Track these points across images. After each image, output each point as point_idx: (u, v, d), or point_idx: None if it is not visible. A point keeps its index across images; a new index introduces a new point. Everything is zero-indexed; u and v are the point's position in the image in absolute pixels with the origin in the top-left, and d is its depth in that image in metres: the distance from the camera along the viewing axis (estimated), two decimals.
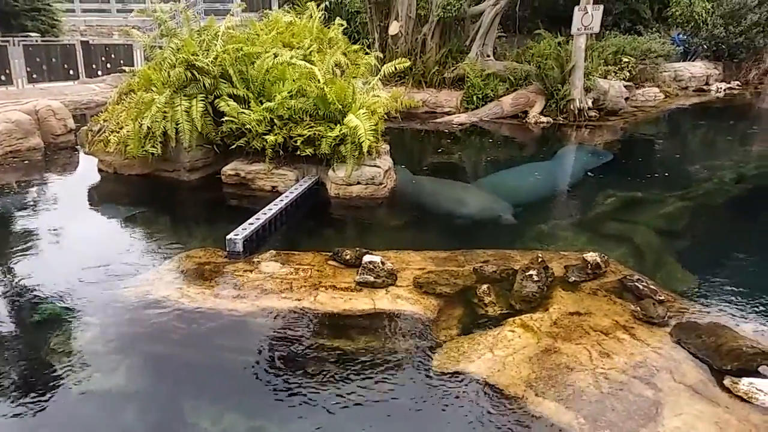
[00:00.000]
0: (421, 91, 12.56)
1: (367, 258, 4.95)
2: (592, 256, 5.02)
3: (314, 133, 6.91)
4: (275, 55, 7.59)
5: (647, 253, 5.98)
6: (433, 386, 3.72)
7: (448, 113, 12.21)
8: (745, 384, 3.39)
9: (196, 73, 7.11)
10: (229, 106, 7.00)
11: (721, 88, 15.64)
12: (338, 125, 6.86)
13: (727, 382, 3.48)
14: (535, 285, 4.71)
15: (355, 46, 10.30)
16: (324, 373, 3.88)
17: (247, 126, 6.98)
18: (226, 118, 7.05)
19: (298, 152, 7.03)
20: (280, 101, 6.93)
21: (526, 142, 11.33)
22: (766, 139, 11.83)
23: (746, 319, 4.44)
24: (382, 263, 4.93)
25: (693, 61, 16.41)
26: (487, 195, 7.69)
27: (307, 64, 7.32)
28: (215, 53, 7.25)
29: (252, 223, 5.73)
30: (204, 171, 7.71)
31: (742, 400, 3.36)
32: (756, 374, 3.51)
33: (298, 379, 3.80)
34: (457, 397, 3.60)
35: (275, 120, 6.98)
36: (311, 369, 3.92)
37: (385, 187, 7.15)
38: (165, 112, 7.01)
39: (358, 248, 5.24)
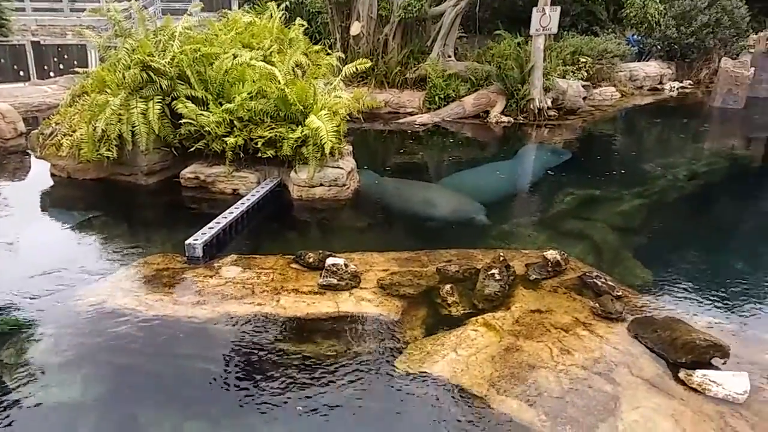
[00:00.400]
0: (383, 91, 12.57)
1: (330, 260, 4.92)
2: (552, 254, 5.10)
3: (275, 135, 6.82)
4: (234, 56, 7.46)
5: (605, 249, 6.12)
6: (397, 388, 3.71)
7: (410, 113, 12.25)
8: (698, 376, 3.49)
9: (152, 74, 6.94)
10: (187, 107, 6.85)
11: (674, 87, 16.13)
12: (300, 126, 6.80)
13: (682, 374, 3.58)
14: (497, 284, 4.75)
15: (317, 47, 10.22)
16: (287, 378, 3.84)
17: (206, 128, 6.85)
18: (184, 120, 6.90)
19: (259, 154, 6.93)
20: (240, 103, 6.82)
21: (488, 141, 11.45)
22: (717, 137, 12.26)
23: (699, 312, 4.58)
24: (346, 265, 4.90)
25: (647, 61, 16.86)
26: (459, 196, 7.67)
27: (267, 65, 7.23)
28: (172, 54, 7.10)
29: (212, 228, 5.63)
30: (162, 174, 7.53)
31: (696, 391, 3.46)
32: (709, 366, 3.62)
33: (261, 385, 3.75)
34: (421, 399, 3.60)
35: (235, 122, 6.87)
36: (274, 375, 3.87)
37: (348, 188, 7.12)
38: (120, 114, 6.82)
39: (321, 251, 5.20)
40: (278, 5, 12.81)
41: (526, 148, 10.90)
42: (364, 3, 12.10)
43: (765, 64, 14.65)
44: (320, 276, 4.86)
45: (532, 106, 11.83)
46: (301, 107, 6.87)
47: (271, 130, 6.81)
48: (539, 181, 8.89)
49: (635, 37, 17.12)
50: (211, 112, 6.89)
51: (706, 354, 3.60)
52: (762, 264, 5.95)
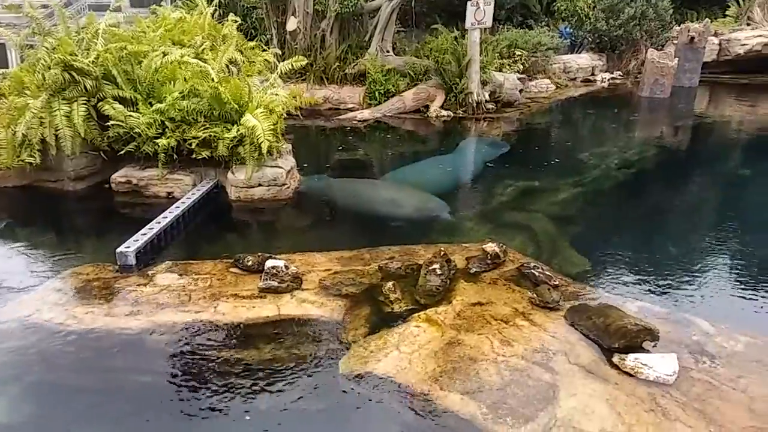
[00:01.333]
0: (323, 87, 12.43)
1: (270, 263, 4.82)
2: (491, 247, 5.17)
3: (210, 135, 6.62)
4: (164, 54, 7.19)
5: (544, 239, 6.26)
6: (341, 390, 3.68)
7: (351, 109, 12.17)
8: (631, 360, 3.61)
9: (75, 74, 6.59)
10: (114, 109, 6.56)
11: (605, 78, 16.69)
12: (235, 126, 6.63)
13: (615, 359, 3.70)
14: (438, 278, 4.78)
15: (252, 43, 10.00)
16: (229, 386, 3.75)
17: (136, 130, 6.58)
18: (112, 122, 6.60)
19: (194, 155, 6.72)
20: (171, 102, 6.59)
21: (429, 135, 11.52)
22: (645, 126, 12.77)
23: (632, 297, 4.75)
24: (286, 267, 4.82)
25: (579, 53, 17.38)
26: (421, 193, 7.51)
27: (200, 63, 7.00)
28: (96, 53, 6.77)
29: (145, 234, 5.42)
30: (91, 179, 7.19)
31: (630, 375, 3.59)
32: (641, 350, 3.76)
33: (202, 395, 3.64)
34: (366, 399, 3.59)
35: (167, 122, 6.62)
36: (214, 384, 3.77)
37: (288, 188, 7.00)
38: (42, 117, 6.45)
39: (260, 253, 5.09)
40: (210, 1, 12.49)
41: (466, 141, 11.03)
42: None
43: (687, 55, 15.37)
44: (260, 279, 4.76)
45: (470, 99, 11.97)
46: (236, 106, 6.70)
47: (206, 130, 6.61)
48: (480, 174, 9.01)
49: (567, 29, 17.60)
50: (140, 112, 6.62)
51: (638, 338, 3.73)
52: (690, 246, 6.24)
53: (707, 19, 17.93)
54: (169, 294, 4.66)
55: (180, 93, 6.74)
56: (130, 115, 6.55)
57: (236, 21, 9.70)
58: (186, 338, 4.20)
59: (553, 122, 13.03)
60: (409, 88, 12.27)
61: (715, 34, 17.67)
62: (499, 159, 9.57)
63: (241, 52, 9.16)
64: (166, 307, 4.47)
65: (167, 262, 5.20)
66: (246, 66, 7.98)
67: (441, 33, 13.13)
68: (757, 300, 4.96)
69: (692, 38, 15.28)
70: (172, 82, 6.95)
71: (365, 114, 11.82)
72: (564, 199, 7.53)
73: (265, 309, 4.48)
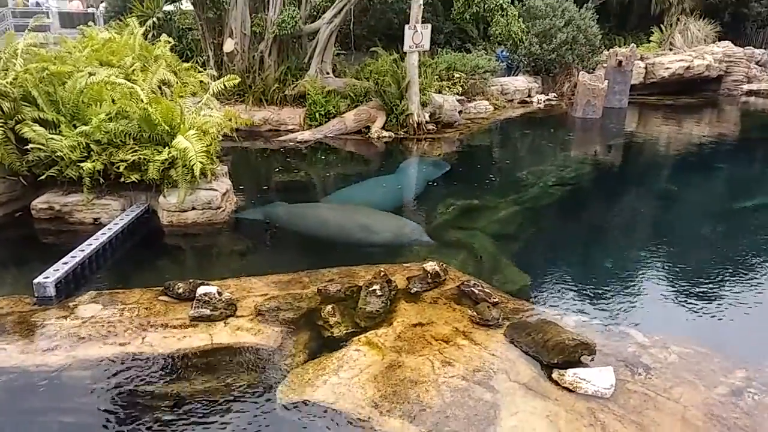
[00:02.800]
0: (262, 109, 12.25)
1: (201, 290, 4.60)
2: (431, 266, 5.12)
3: (140, 158, 6.34)
4: (90, 74, 6.88)
5: (485, 257, 6.29)
6: (277, 421, 3.52)
7: (291, 131, 12.03)
8: (570, 375, 3.60)
9: None
10: (34, 131, 6.19)
11: (541, 99, 17.25)
12: (167, 148, 6.38)
13: (555, 375, 3.69)
14: (378, 300, 4.68)
15: (186, 64, 9.75)
16: (158, 422, 3.51)
17: (59, 153, 6.22)
18: (32, 145, 6.22)
19: (123, 179, 6.41)
20: (97, 124, 6.28)
21: (371, 156, 11.52)
22: (580, 145, 13.21)
23: (569, 312, 4.79)
24: (219, 293, 4.61)
25: (516, 75, 17.93)
26: (395, 217, 7.25)
27: (129, 83, 6.73)
28: (14, 73, 6.40)
29: (67, 263, 5.08)
30: (10, 206, 6.73)
31: (569, 390, 3.57)
32: (579, 364, 3.76)
33: None
34: (303, 429, 3.42)
35: (92, 145, 6.30)
36: (143, 420, 3.52)
37: (224, 210, 6.78)
38: None
39: (191, 280, 4.85)
40: (144, 21, 12.16)
41: (408, 161, 11.08)
42: (237, 19, 11.76)
43: (616, 78, 16.11)
44: (191, 307, 4.53)
45: (411, 120, 12.07)
46: (168, 127, 6.45)
47: (135, 153, 6.33)
48: (422, 194, 9.03)
49: (504, 53, 18.14)
50: (63, 135, 6.27)
51: (575, 353, 3.74)
52: (625, 260, 6.40)
53: (633, 44, 18.91)
54: (91, 326, 4.35)
55: (107, 115, 6.44)
56: (51, 138, 6.20)
57: (169, 42, 9.44)
58: (110, 373, 3.93)
59: (492, 142, 13.30)
60: (349, 110, 12.27)
61: (641, 58, 18.64)
62: (441, 178, 9.64)
63: (175, 74, 8.90)
64: (88, 341, 4.17)
65: (91, 292, 4.89)
66: (178, 87, 7.73)
67: (380, 56, 13.26)
68: (688, 310, 5.11)
69: (620, 62, 16.03)
70: (98, 104, 6.64)
71: (306, 135, 11.71)
72: (504, 216, 7.62)
73: (197, 338, 4.24)
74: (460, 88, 15.07)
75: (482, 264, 6.15)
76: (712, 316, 5.00)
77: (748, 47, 21.06)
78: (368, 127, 12.18)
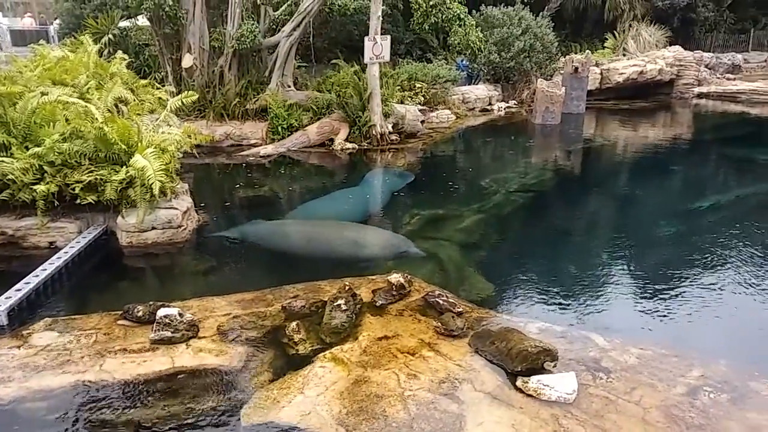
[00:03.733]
0: (224, 124, 12.11)
1: (162, 312, 4.50)
2: (396, 278, 5.13)
3: (96, 178, 6.20)
4: (43, 94, 6.71)
5: (449, 267, 6.33)
6: None
7: (254, 145, 11.92)
8: (533, 382, 3.65)
9: None
10: None
11: (501, 107, 17.50)
12: (124, 167, 6.25)
13: (519, 383, 3.73)
14: (343, 314, 4.66)
15: (144, 81, 9.60)
16: None
17: (10, 176, 6.03)
18: None
19: (79, 200, 6.24)
20: (51, 145, 6.11)
21: (335, 168, 11.50)
22: (540, 151, 13.46)
23: (532, 318, 4.85)
24: (180, 315, 4.52)
25: (476, 84, 18.18)
26: (381, 231, 7.26)
27: (82, 102, 6.58)
28: None
29: (20, 289, 4.92)
30: None
31: (533, 397, 3.61)
32: (542, 371, 3.80)
33: None
34: None
35: (45, 167, 6.13)
36: None
37: (185, 229, 6.67)
38: None
39: (151, 302, 4.75)
40: (99, 38, 11.95)
41: (372, 172, 11.09)
42: (195, 34, 11.63)
43: (573, 84, 16.49)
44: (152, 330, 4.43)
45: (374, 131, 12.10)
46: (125, 146, 6.33)
47: (91, 173, 6.18)
48: (387, 205, 9.04)
49: (464, 62, 18.38)
50: (15, 157, 6.09)
51: (538, 360, 3.78)
52: (586, 264, 6.52)
53: (588, 50, 19.41)
54: (47, 355, 4.22)
55: (61, 135, 6.29)
56: (2, 161, 6.01)
57: (125, 59, 9.28)
58: (67, 403, 3.81)
59: (455, 151, 13.43)
60: (312, 122, 12.23)
61: (597, 64, 19.12)
62: (405, 189, 9.68)
63: (132, 91, 8.76)
64: (43, 370, 4.04)
65: (46, 319, 4.74)
66: (134, 105, 7.59)
67: (342, 67, 13.27)
68: (647, 311, 5.23)
69: (576, 68, 16.41)
70: (52, 124, 6.47)
71: (269, 149, 11.62)
72: (468, 225, 7.69)
73: (158, 362, 4.15)
74: (422, 98, 15.19)
75: (447, 274, 6.19)
76: (671, 317, 5.14)
77: (697, 51, 21.83)
78: (332, 140, 12.16)
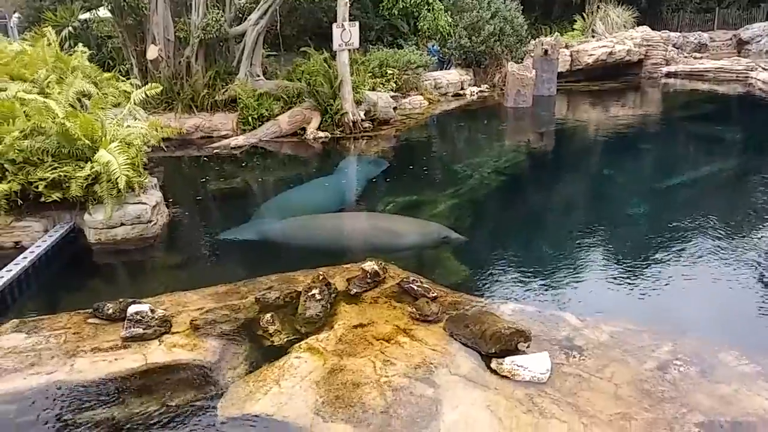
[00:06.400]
0: (193, 116, 11.89)
1: (132, 308, 4.41)
2: (370, 265, 5.11)
3: (60, 175, 6.05)
4: (0, 90, 6.50)
5: (425, 253, 6.34)
6: None
7: (225, 137, 11.75)
8: (507, 363, 3.67)
9: None
10: None
11: (474, 91, 17.52)
12: (89, 163, 6.11)
13: (493, 364, 3.75)
14: (318, 304, 4.63)
15: (108, 74, 9.37)
16: None
17: None
18: None
19: (43, 198, 6.09)
20: (11, 143, 5.93)
21: (309, 158, 11.42)
22: (513, 134, 13.54)
23: (506, 300, 4.89)
24: (152, 311, 4.44)
25: (448, 69, 18.15)
26: (414, 219, 7.04)
27: (42, 98, 6.39)
28: None
29: None
30: None
31: (507, 378, 3.64)
32: (516, 352, 3.84)
33: None
34: None
35: (6, 165, 5.96)
36: None
37: (155, 224, 6.55)
38: None
39: (122, 299, 4.66)
40: (60, 31, 11.61)
41: (346, 161, 11.05)
42: (159, 25, 11.36)
43: (544, 66, 16.56)
44: (123, 328, 4.35)
45: (346, 119, 12.02)
46: (88, 141, 6.18)
47: (54, 170, 6.03)
48: (363, 192, 9.03)
49: (435, 47, 18.33)
50: None
51: (512, 341, 3.81)
52: (559, 245, 6.59)
53: (557, 33, 19.50)
54: (15, 357, 4.11)
55: (21, 132, 6.10)
56: None
57: (86, 52, 9.03)
58: (38, 405, 3.73)
59: (429, 136, 13.42)
60: (283, 112, 12.10)
61: (566, 46, 19.23)
62: (380, 176, 9.65)
63: (96, 84, 8.53)
64: (11, 373, 3.94)
65: (13, 320, 4.61)
66: (97, 98, 7.39)
67: (311, 55, 13.12)
68: (618, 289, 5.32)
69: (546, 51, 16.49)
70: (11, 121, 6.28)
71: (240, 140, 11.47)
72: (442, 210, 7.71)
73: (130, 360, 4.08)
74: (394, 85, 15.13)
75: (422, 259, 6.20)
76: (642, 294, 5.23)
77: (664, 31, 22.11)
78: (304, 129, 12.05)
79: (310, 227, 7.09)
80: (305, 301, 4.68)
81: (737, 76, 18.80)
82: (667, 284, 5.42)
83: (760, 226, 6.86)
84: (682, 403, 3.39)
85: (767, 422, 3.25)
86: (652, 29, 21.06)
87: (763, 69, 17.52)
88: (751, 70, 18.34)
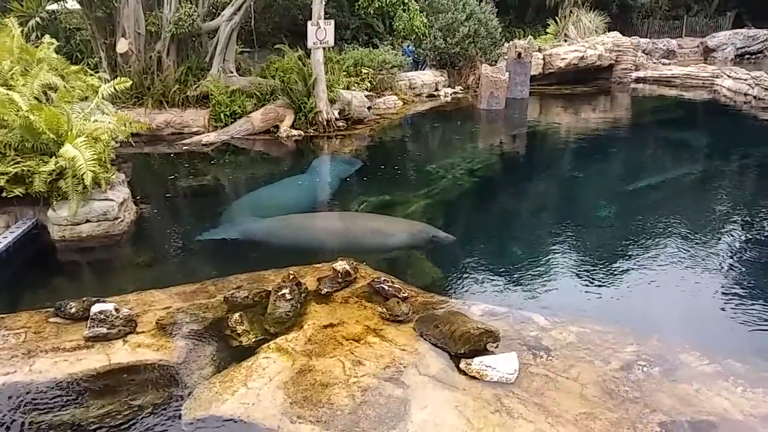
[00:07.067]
0: (163, 111, 11.68)
1: (96, 308, 4.31)
2: (341, 265, 5.08)
3: (23, 170, 5.88)
4: None
5: (397, 252, 6.34)
6: None
7: (196, 133, 11.58)
8: (476, 364, 3.69)
9: None
10: None
11: (448, 93, 17.61)
12: (53, 157, 5.95)
13: (462, 365, 3.77)
14: (288, 304, 4.59)
15: (75, 67, 9.14)
16: None
17: None
18: None
19: (5, 194, 5.91)
20: None
21: (282, 156, 11.32)
22: (486, 136, 13.63)
23: (476, 301, 4.92)
24: (117, 310, 4.34)
25: (423, 69, 18.21)
26: (403, 220, 7.00)
27: (5, 90, 6.20)
28: None
29: None
30: None
31: (476, 379, 3.66)
32: (485, 352, 3.86)
33: None
34: None
35: None
36: None
37: (122, 221, 6.42)
38: None
39: (85, 298, 4.55)
40: (26, 22, 11.30)
41: (319, 160, 10.99)
42: (129, 18, 11.13)
43: (517, 69, 16.73)
44: (86, 327, 4.24)
45: (320, 118, 11.96)
46: (53, 136, 6.02)
47: (17, 165, 5.86)
48: (335, 192, 8.98)
49: (410, 48, 18.37)
50: None
51: (480, 341, 3.83)
52: (529, 246, 6.66)
53: (530, 36, 19.71)
54: None
55: None
56: None
57: (53, 43, 8.80)
58: None
59: (403, 137, 13.44)
60: (256, 109, 11.97)
61: (539, 50, 19.47)
62: (354, 175, 9.62)
63: (63, 77, 8.31)
64: None
65: None
66: (64, 92, 7.19)
67: (286, 53, 13.01)
68: (586, 290, 5.40)
69: (519, 54, 16.66)
70: None
71: (211, 137, 11.31)
72: (415, 210, 7.71)
73: (93, 360, 3.99)
74: (369, 84, 15.10)
75: (394, 260, 6.20)
76: (608, 295, 5.32)
77: (634, 37, 22.55)
78: (277, 127, 11.95)
79: (296, 227, 7.00)
80: (275, 300, 4.63)
81: (703, 83, 19.27)
82: (632, 286, 5.53)
83: (723, 229, 7.04)
84: (645, 403, 3.45)
85: (727, 421, 3.33)
86: (623, 35, 21.46)
87: (728, 76, 17.96)
88: (717, 77, 18.80)
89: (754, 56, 24.81)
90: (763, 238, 6.74)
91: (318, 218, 7.50)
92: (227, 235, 6.58)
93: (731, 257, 6.16)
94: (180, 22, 11.14)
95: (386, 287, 4.81)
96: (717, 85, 18.44)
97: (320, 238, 6.75)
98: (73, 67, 9.15)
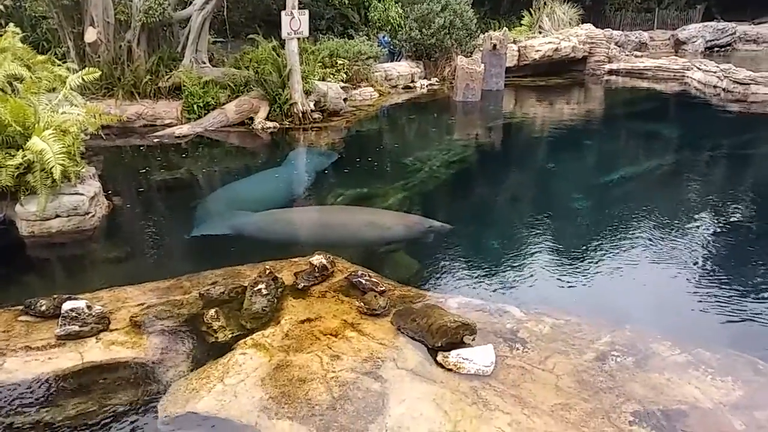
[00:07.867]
0: (134, 103, 11.44)
1: (67, 305, 4.23)
2: (317, 259, 5.06)
3: None
4: None
5: (374, 246, 6.34)
6: None
7: (169, 125, 11.37)
8: (453, 357, 3.72)
9: None
10: None
11: (424, 84, 17.61)
12: (20, 151, 5.79)
13: (439, 358, 3.79)
14: (264, 299, 4.56)
15: (42, 57, 8.90)
16: None
17: None
18: None
19: None
20: None
21: (257, 148, 11.20)
22: (462, 128, 13.67)
23: (453, 294, 4.95)
24: (89, 307, 4.26)
25: (399, 61, 18.17)
26: (396, 213, 6.95)
27: None
28: None
29: None
30: None
31: (453, 371, 3.69)
32: (462, 345, 3.88)
33: None
34: None
35: None
36: None
37: (93, 216, 6.29)
38: None
39: (56, 295, 4.46)
40: None
41: (295, 152, 10.91)
42: (98, 6, 10.83)
43: (492, 61, 16.78)
44: (57, 325, 4.16)
45: (295, 109, 11.85)
46: (20, 128, 5.85)
47: None
48: (311, 185, 8.94)
49: (386, 39, 18.29)
50: None
51: (457, 334, 3.86)
52: (505, 239, 6.72)
53: (505, 27, 19.79)
54: None
55: None
56: None
57: (18, 32, 8.54)
58: None
59: (379, 129, 13.41)
60: (230, 101, 11.81)
61: (514, 42, 19.56)
62: (330, 168, 9.58)
63: (29, 67, 8.09)
64: None
65: None
66: (30, 83, 6.99)
67: (260, 43, 12.84)
68: (561, 282, 5.48)
69: (494, 45, 16.71)
70: None
71: (184, 129, 11.13)
72: (392, 203, 7.72)
73: (65, 359, 3.91)
74: (344, 75, 15.00)
75: (372, 253, 6.20)
76: (583, 287, 5.40)
77: (607, 29, 22.79)
78: (251, 118, 11.81)
79: (289, 221, 6.91)
80: (251, 296, 4.60)
81: (674, 75, 19.58)
82: (606, 277, 5.62)
83: (694, 220, 7.19)
84: (619, 393, 3.52)
85: (697, 409, 3.41)
86: (596, 27, 21.68)
87: (698, 69, 18.29)
88: (687, 70, 19.13)
89: (722, 49, 25.30)
90: (733, 228, 6.91)
91: (312, 212, 7.42)
92: (219, 231, 6.46)
93: (702, 248, 6.30)
94: (150, 11, 10.89)
95: (363, 281, 4.80)
96: (688, 77, 18.77)
97: (314, 232, 6.67)
98: (40, 57, 8.91)
